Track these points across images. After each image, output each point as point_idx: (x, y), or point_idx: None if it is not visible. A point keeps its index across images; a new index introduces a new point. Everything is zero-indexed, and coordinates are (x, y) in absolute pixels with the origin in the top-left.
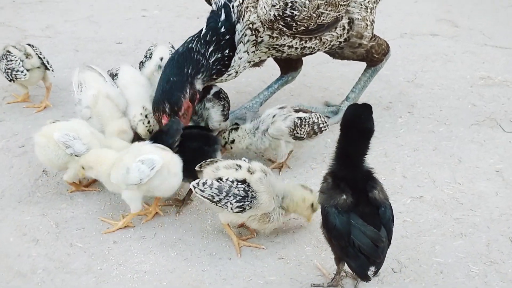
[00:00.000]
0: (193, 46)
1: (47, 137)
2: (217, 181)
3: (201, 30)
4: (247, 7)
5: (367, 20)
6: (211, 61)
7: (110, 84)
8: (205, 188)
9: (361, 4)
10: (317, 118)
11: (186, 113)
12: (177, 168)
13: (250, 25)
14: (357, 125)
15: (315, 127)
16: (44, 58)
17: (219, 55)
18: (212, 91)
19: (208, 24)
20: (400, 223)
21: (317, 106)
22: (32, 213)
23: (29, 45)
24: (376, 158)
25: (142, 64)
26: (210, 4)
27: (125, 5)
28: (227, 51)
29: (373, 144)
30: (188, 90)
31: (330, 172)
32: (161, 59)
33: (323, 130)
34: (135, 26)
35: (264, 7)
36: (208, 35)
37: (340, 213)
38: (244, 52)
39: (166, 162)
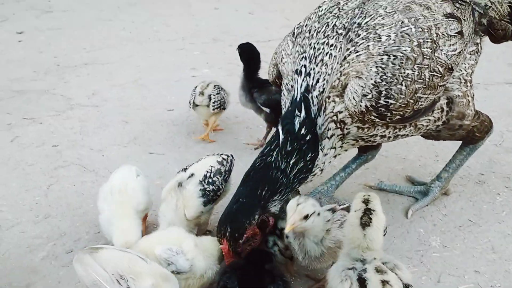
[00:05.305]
0: (272, 160)
1: (145, 253)
2: None
3: (278, 134)
4: (328, 97)
5: (468, 96)
6: (292, 175)
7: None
8: None
9: (459, 79)
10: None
11: (251, 240)
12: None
13: (334, 117)
14: None
15: None
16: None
17: (302, 164)
18: None
19: (285, 127)
20: None
21: (401, 184)
22: None
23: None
24: (483, 255)
25: None
26: (276, 85)
27: (173, 64)
28: (309, 155)
29: (476, 234)
30: (257, 216)
31: None
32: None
33: None
34: (186, 88)
35: (354, 97)
36: (288, 143)
37: None
38: (331, 148)
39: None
